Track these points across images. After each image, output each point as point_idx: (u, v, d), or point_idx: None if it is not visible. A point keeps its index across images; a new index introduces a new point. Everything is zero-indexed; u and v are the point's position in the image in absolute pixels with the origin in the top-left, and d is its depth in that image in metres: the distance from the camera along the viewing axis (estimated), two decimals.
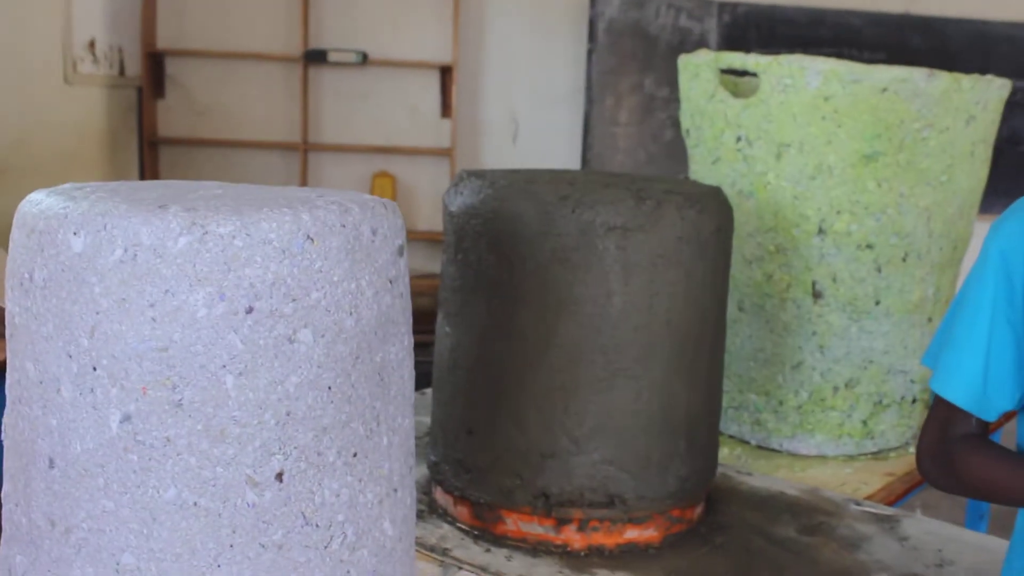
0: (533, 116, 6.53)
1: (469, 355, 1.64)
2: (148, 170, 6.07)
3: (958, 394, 1.28)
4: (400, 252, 1.18)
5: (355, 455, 1.10)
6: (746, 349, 2.15)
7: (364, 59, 6.13)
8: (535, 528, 1.61)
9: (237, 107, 6.29)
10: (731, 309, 2.17)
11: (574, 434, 1.58)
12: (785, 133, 1.99)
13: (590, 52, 5.82)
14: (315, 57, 6.11)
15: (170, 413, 0.99)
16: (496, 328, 1.60)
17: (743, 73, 2.09)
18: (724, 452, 2.12)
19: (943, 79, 1.94)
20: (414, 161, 6.43)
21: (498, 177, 1.63)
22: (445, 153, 6.37)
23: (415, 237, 6.34)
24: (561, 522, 1.60)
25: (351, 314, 1.08)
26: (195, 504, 1.00)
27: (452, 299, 1.68)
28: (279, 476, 1.03)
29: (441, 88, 6.36)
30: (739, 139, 2.06)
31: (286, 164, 6.34)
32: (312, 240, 1.04)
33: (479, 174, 1.66)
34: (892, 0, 6.79)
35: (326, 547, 1.03)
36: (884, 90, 1.93)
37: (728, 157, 2.09)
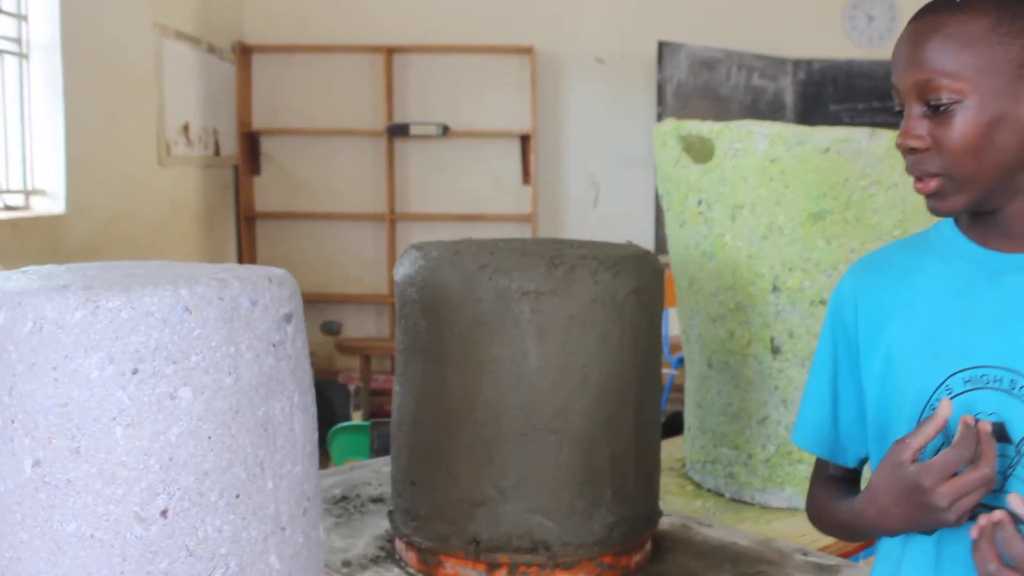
0: (612, 180, 6.68)
1: (411, 412, 1.79)
2: (246, 243, 6.42)
3: (810, 443, 1.37)
4: (287, 319, 1.34)
5: (237, 496, 1.26)
6: (716, 404, 2.23)
7: (445, 131, 6.39)
8: (470, 572, 1.73)
9: (328, 181, 6.61)
10: (701, 366, 2.26)
11: (500, 484, 1.70)
12: (738, 195, 2.09)
13: (659, 116, 5.95)
14: (398, 131, 6.39)
15: (70, 459, 1.16)
16: (430, 387, 1.74)
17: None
18: (697, 504, 2.19)
19: (885, 137, 2.01)
20: (498, 227, 6.63)
21: (431, 249, 1.78)
22: (527, 219, 6.57)
23: None
24: (492, 567, 1.72)
25: (230, 374, 1.24)
26: (92, 536, 1.16)
27: (399, 361, 1.83)
28: (164, 513, 1.19)
29: (521, 156, 6.57)
30: (700, 202, 2.17)
31: (375, 234, 6.62)
32: (190, 311, 1.20)
33: (419, 246, 1.81)
34: None
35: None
36: (827, 151, 2.02)
37: (692, 220, 2.19)
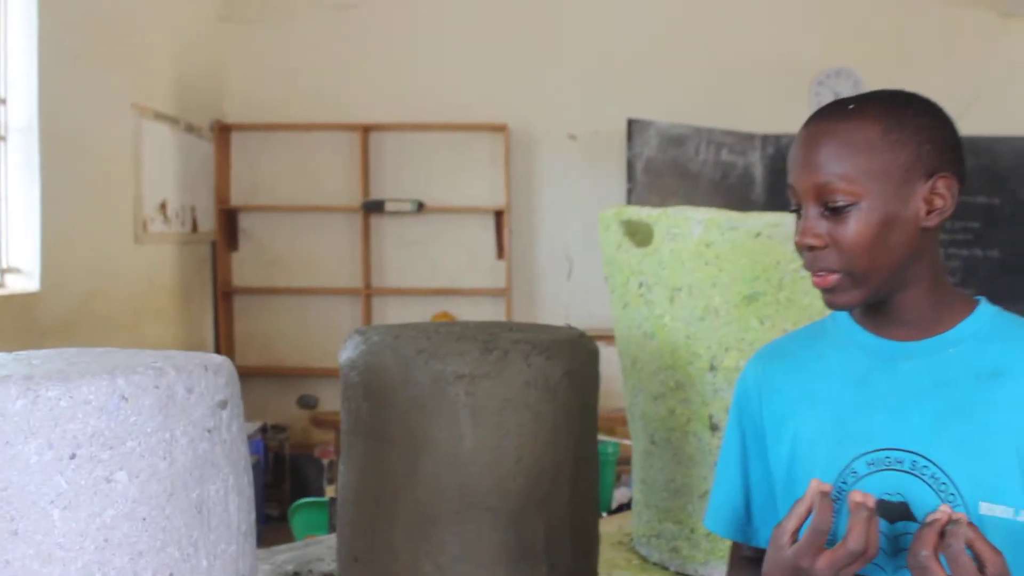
0: (585, 254, 6.78)
1: (353, 490, 1.85)
2: (223, 318, 6.48)
3: (723, 527, 1.43)
4: (222, 405, 1.41)
5: (171, 575, 1.32)
6: (660, 480, 2.29)
7: (420, 207, 6.49)
8: None
9: (305, 257, 6.70)
10: (644, 442, 2.33)
11: (438, 561, 1.76)
12: (676, 278, 2.18)
13: (629, 192, 6.07)
14: (373, 207, 6.50)
15: (9, 540, 1.22)
16: (371, 466, 1.81)
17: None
18: None
19: None
20: (473, 301, 6.71)
21: (373, 333, 1.85)
22: (501, 293, 6.65)
23: None
24: None
25: (164, 458, 1.31)
26: None
27: (343, 441, 1.89)
28: None
29: (496, 231, 6.67)
30: (641, 284, 2.25)
31: (351, 309, 6.69)
32: (127, 399, 1.28)
33: (361, 331, 1.89)
34: None
35: None
36: (758, 235, 2.11)
37: (634, 302, 2.28)
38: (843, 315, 1.36)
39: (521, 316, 6.68)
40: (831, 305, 1.30)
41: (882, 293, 1.29)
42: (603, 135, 6.63)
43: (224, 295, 6.58)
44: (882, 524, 1.25)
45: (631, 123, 6.15)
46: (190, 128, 6.14)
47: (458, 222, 6.74)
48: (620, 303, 2.32)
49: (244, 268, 6.72)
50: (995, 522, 1.22)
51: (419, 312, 6.67)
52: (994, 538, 1.20)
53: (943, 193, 1.27)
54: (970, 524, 1.13)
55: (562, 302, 6.66)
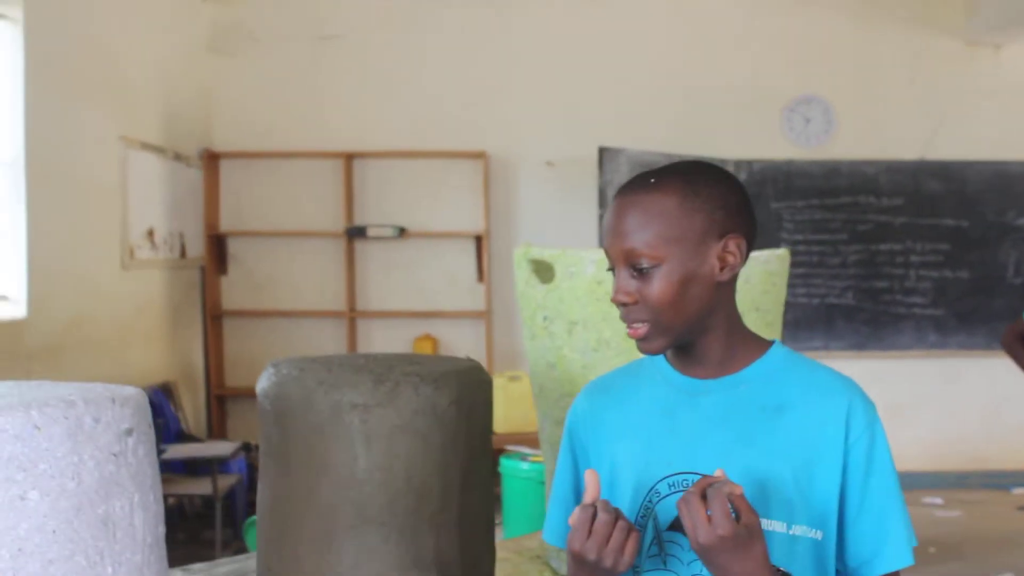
0: None
1: (267, 508, 2.06)
2: (212, 340, 6.70)
3: (556, 538, 1.63)
4: (128, 433, 1.64)
5: None
6: None
7: (401, 232, 6.70)
8: None
9: (291, 280, 6.93)
10: (551, 464, 2.53)
11: (338, 571, 1.96)
12: (573, 313, 2.39)
13: (600, 217, 6.28)
14: (356, 233, 6.71)
15: None
16: (280, 486, 2.02)
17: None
18: None
19: None
20: (454, 323, 6.92)
21: (283, 366, 2.06)
22: (481, 315, 6.85)
23: None
24: None
25: (73, 479, 1.53)
26: None
27: (260, 463, 2.10)
28: None
29: (476, 255, 6.88)
30: (545, 318, 2.46)
31: (335, 331, 6.90)
32: (39, 428, 1.50)
33: (275, 364, 2.10)
34: (907, 147, 7.09)
35: None
36: None
37: (540, 334, 2.48)
38: (658, 355, 1.57)
39: (501, 336, 6.88)
40: (643, 351, 1.51)
41: (685, 339, 1.49)
42: (578, 162, 6.85)
43: (214, 318, 6.80)
44: (679, 537, 1.46)
45: (602, 151, 6.36)
46: (178, 157, 6.38)
47: (439, 247, 6.96)
48: (529, 335, 2.53)
49: (233, 292, 6.95)
50: (772, 536, 1.42)
51: (402, 334, 6.89)
52: (770, 549, 1.40)
53: (734, 251, 1.48)
54: (735, 484, 1.33)
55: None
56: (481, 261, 6.88)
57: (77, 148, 5.17)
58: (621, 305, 1.49)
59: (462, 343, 6.94)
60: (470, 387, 2.06)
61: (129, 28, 5.74)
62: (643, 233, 1.45)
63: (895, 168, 7.09)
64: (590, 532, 1.38)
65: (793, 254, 7.07)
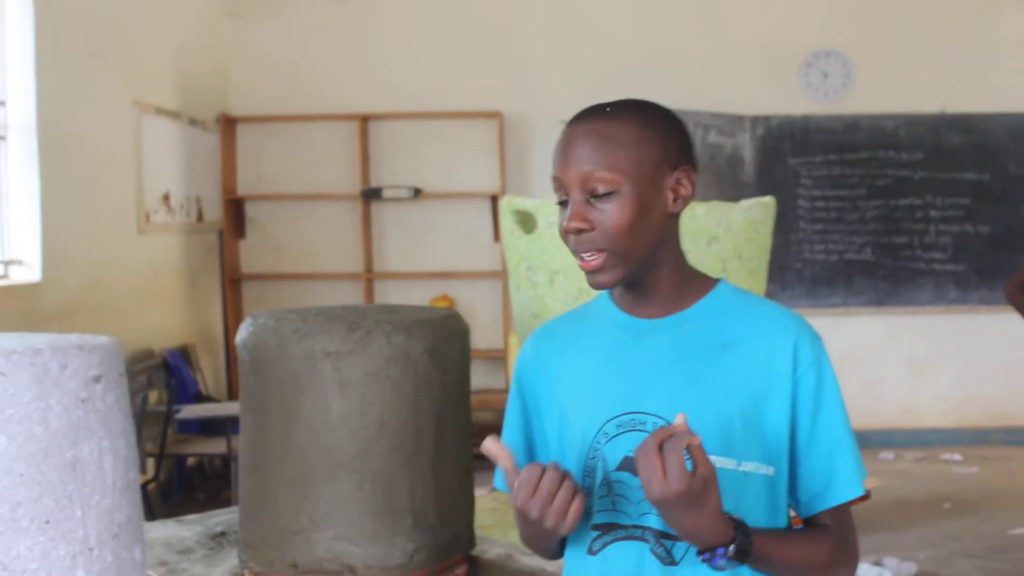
0: None
1: (247, 456, 2.10)
2: (231, 303, 6.76)
3: (506, 484, 1.64)
4: (96, 380, 1.67)
5: (47, 522, 1.58)
6: None
7: (416, 193, 6.72)
8: None
9: (309, 243, 6.97)
10: None
11: (313, 516, 2.00)
12: (555, 262, 2.40)
13: None
14: (371, 194, 6.74)
15: None
16: (257, 434, 2.05)
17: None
18: None
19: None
20: (471, 283, 6.94)
21: (260, 317, 2.09)
22: (498, 275, 6.87)
23: (475, 355, 6.80)
24: None
25: (40, 424, 1.57)
26: None
27: (240, 414, 2.14)
28: None
29: (492, 215, 6.88)
30: (528, 268, 2.47)
31: (354, 292, 6.95)
32: (5, 375, 1.54)
33: (254, 315, 2.12)
34: (927, 100, 7.00)
35: None
36: None
37: (524, 284, 2.50)
38: (604, 296, 1.57)
39: None
40: (595, 285, 1.50)
41: (638, 273, 1.49)
42: None
43: (232, 281, 6.87)
44: (626, 477, 1.47)
45: None
46: (194, 122, 6.42)
47: (454, 207, 6.98)
48: (514, 285, 2.54)
49: (251, 255, 7.01)
50: (722, 472, 1.43)
51: (419, 295, 6.92)
52: (720, 485, 1.41)
53: (685, 184, 1.48)
54: (693, 435, 1.31)
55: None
56: (497, 221, 6.88)
57: (90, 113, 5.21)
58: (575, 233, 1.46)
59: (479, 303, 6.96)
60: (444, 335, 2.08)
61: None
62: (601, 156, 1.43)
63: (915, 122, 7.01)
64: (535, 490, 1.38)
65: (811, 210, 7.04)
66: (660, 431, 1.33)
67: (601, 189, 1.44)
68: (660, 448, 1.32)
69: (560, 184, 1.49)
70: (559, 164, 1.49)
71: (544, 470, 1.39)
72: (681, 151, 1.49)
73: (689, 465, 1.32)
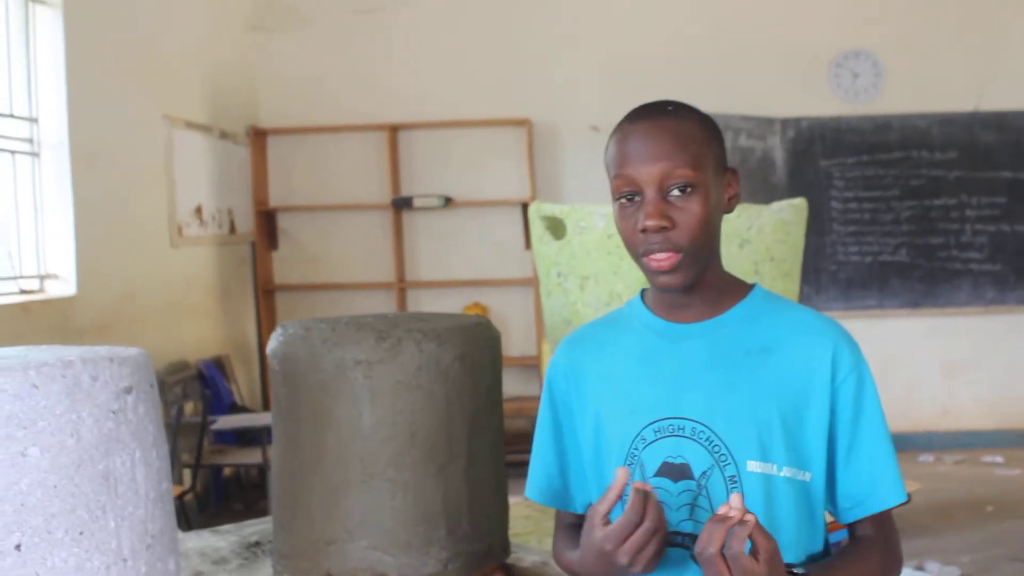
0: None
1: (279, 466, 2.09)
2: (265, 314, 6.79)
3: (542, 496, 1.62)
4: (127, 391, 1.67)
5: (81, 533, 1.58)
6: None
7: (447, 202, 6.72)
8: None
9: (341, 254, 6.99)
10: None
11: (347, 525, 1.99)
12: (585, 268, 2.38)
13: None
14: (402, 204, 6.75)
15: None
16: (290, 444, 2.05)
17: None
18: None
19: None
20: (503, 291, 6.94)
21: (290, 327, 2.09)
22: (530, 283, 6.85)
23: (508, 363, 6.78)
24: None
25: (72, 435, 1.57)
26: None
27: (272, 423, 2.14)
28: (17, 547, 1.52)
29: (523, 222, 6.87)
30: (559, 274, 2.46)
31: (386, 302, 6.96)
32: (37, 387, 1.54)
33: (284, 326, 2.12)
34: (960, 98, 6.93)
35: None
36: None
37: (555, 290, 2.48)
38: (636, 301, 1.56)
39: None
40: (666, 286, 1.43)
41: (701, 275, 1.45)
42: None
43: (265, 292, 6.90)
44: (665, 483, 1.45)
45: None
46: (224, 135, 6.46)
47: (485, 215, 6.97)
48: (545, 292, 2.53)
49: (284, 266, 7.04)
50: (760, 478, 1.41)
51: (452, 303, 6.92)
52: (758, 491, 1.39)
53: (735, 184, 1.47)
54: (748, 514, 1.27)
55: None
56: (528, 228, 6.87)
57: (121, 128, 5.25)
58: (655, 231, 1.40)
59: (512, 310, 6.95)
60: (475, 342, 2.07)
61: (169, 7, 5.81)
62: (681, 153, 1.40)
63: (948, 120, 6.94)
64: (627, 537, 1.33)
65: (844, 212, 6.98)
66: (716, 523, 1.29)
67: (681, 186, 1.40)
68: (721, 551, 1.28)
69: (629, 181, 1.43)
70: (631, 161, 1.43)
71: (642, 517, 1.34)
72: (725, 154, 1.48)
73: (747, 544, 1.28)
